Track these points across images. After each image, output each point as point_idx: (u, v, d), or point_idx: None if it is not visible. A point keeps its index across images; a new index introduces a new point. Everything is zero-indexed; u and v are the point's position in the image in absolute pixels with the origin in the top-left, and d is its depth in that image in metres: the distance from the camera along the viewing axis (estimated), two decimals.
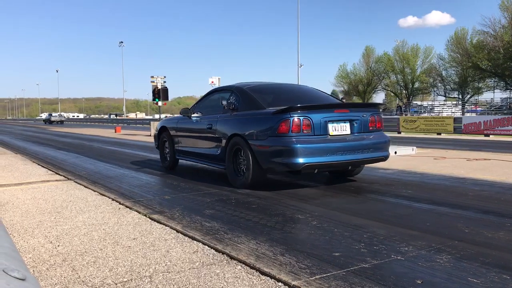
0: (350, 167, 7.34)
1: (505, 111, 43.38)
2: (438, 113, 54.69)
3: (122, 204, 6.23)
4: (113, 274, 3.53)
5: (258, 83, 8.53)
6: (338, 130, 6.76)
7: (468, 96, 65.30)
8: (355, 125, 6.94)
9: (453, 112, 54.32)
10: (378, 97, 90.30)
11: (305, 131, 6.47)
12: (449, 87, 68.65)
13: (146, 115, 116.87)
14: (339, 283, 3.23)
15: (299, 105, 6.63)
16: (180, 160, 10.00)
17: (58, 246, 4.32)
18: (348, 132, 6.86)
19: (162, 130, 10.27)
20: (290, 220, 5.17)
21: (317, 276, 3.37)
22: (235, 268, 3.62)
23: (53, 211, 5.87)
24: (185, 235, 4.62)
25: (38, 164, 11.41)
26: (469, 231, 4.59)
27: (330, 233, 4.56)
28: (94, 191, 7.36)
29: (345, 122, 6.85)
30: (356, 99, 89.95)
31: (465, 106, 60.09)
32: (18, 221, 5.34)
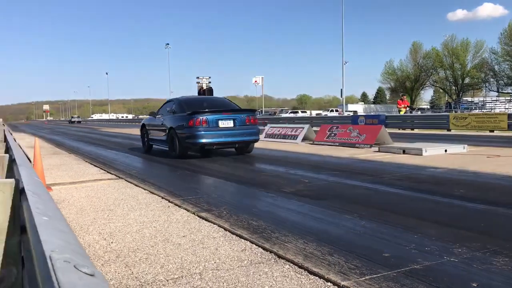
0: (237, 145, 11.85)
1: None
2: (490, 109, 52.61)
3: (171, 202, 6.38)
4: (164, 270, 3.62)
5: (190, 96, 13.56)
6: (225, 124, 11.12)
7: None
8: (236, 121, 11.27)
9: (507, 108, 52.07)
10: (427, 94, 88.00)
11: (203, 125, 10.85)
12: (502, 82, 65.95)
13: None
14: (389, 284, 3.18)
15: (198, 110, 11.11)
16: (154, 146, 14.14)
17: (112, 243, 4.48)
18: (232, 125, 11.19)
19: (143, 126, 14.70)
20: (335, 226, 5.13)
21: (367, 277, 3.33)
22: (283, 267, 3.63)
23: (106, 209, 6.09)
24: (232, 233, 4.68)
25: (91, 164, 11.84)
26: None
27: (378, 233, 4.49)
28: (144, 189, 7.57)
29: (229, 120, 11.22)
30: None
31: None
32: (73, 218, 5.57)
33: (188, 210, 5.82)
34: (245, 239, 4.44)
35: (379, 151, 12.67)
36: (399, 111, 29.02)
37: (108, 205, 6.33)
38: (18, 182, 2.14)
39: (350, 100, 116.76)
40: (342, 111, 51.14)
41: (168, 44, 78.97)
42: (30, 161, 5.42)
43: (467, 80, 72.05)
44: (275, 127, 20.04)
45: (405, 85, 79.95)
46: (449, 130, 24.32)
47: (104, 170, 10.42)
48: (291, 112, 69.45)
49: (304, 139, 17.17)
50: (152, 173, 9.67)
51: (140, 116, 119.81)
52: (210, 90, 27.68)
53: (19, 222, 2.09)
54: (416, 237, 4.30)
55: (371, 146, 13.72)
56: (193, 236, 4.60)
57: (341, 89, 46.16)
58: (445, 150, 11.89)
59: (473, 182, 7.45)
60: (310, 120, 34.42)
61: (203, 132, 10.92)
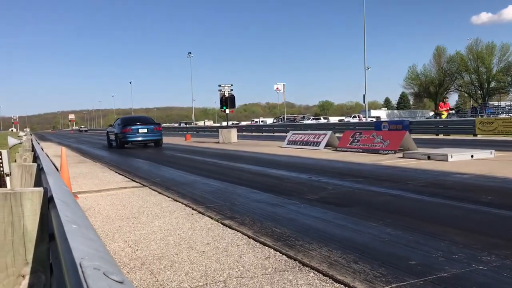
0: (149, 142, 22.75)
1: None
2: None
3: (195, 210, 6.41)
4: (189, 278, 3.64)
5: (127, 116, 26.83)
6: (142, 131, 21.91)
7: None
8: (149, 129, 22.11)
9: None
10: (451, 98, 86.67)
11: (130, 132, 21.83)
12: None
13: (214, 122, 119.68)
14: None
15: (129, 123, 22.56)
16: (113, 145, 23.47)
17: (137, 250, 4.53)
18: (146, 131, 22.01)
19: (106, 133, 26.28)
20: (360, 234, 5.07)
21: (393, 285, 3.28)
22: (308, 275, 3.60)
23: (131, 217, 6.16)
24: (256, 240, 4.67)
25: (115, 172, 12.01)
26: None
27: (404, 240, 4.42)
28: (168, 197, 7.63)
29: (145, 128, 22.07)
30: (427, 101, 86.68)
31: None
32: (99, 226, 5.66)
33: (211, 218, 5.84)
34: (269, 246, 4.43)
35: (403, 157, 12.51)
36: (440, 115, 27.48)
37: (133, 213, 6.40)
38: (46, 190, 2.19)
39: (373, 105, 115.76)
40: (365, 117, 50.73)
41: (190, 53, 79.68)
42: (57, 170, 5.54)
43: (493, 84, 70.69)
44: (297, 133, 20.00)
45: (429, 90, 78.88)
46: (475, 135, 23.85)
47: (129, 178, 10.55)
48: (313, 119, 69.21)
49: (327, 145, 17.08)
50: (175, 181, 9.75)
51: (163, 125, 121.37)
52: (232, 98, 27.79)
53: (47, 230, 2.14)
54: (443, 245, 4.22)
55: (395, 152, 13.56)
56: (217, 244, 4.61)
57: (364, 95, 45.82)
58: (472, 156, 11.67)
59: (501, 188, 7.28)
60: (332, 127, 34.25)
61: (129, 135, 22.09)
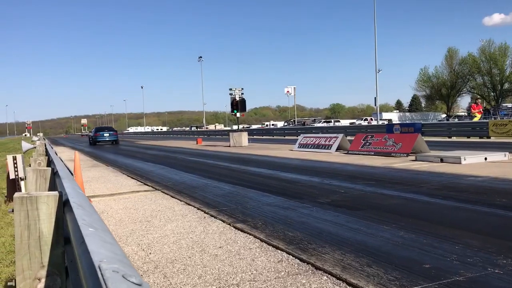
0: (110, 142, 38.29)
1: None
2: None
3: (207, 213, 6.43)
4: (202, 281, 3.65)
5: (99, 126, 52.12)
6: (106, 134, 38.74)
7: None
8: (110, 133, 39.17)
9: None
10: (464, 101, 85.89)
11: (98, 135, 38.52)
12: None
13: (225, 126, 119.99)
14: None
15: (99, 130, 40.84)
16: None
17: (150, 253, 4.55)
18: (108, 135, 38.67)
19: (87, 136, 54.57)
20: (373, 237, 5.04)
21: None
22: (321, 278, 3.59)
23: (143, 220, 6.19)
24: (269, 244, 4.67)
25: (128, 176, 12.08)
26: None
27: (418, 244, 4.39)
28: (180, 200, 7.66)
29: (107, 133, 39.03)
30: (439, 104, 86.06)
31: None
32: (112, 230, 5.69)
33: (223, 221, 5.85)
34: (282, 250, 4.42)
35: (416, 160, 12.42)
36: (473, 117, 26.25)
37: (145, 216, 6.43)
38: (61, 194, 2.21)
39: (384, 108, 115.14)
40: (377, 119, 50.45)
41: (201, 57, 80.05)
42: (71, 173, 5.59)
43: (506, 86, 69.91)
44: (308, 137, 19.97)
45: (441, 92, 78.23)
46: (488, 137, 23.60)
47: (141, 182, 10.61)
48: (324, 122, 69.05)
49: (338, 148, 17.02)
50: (187, 185, 9.78)
51: (174, 129, 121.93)
52: (242, 101, 27.78)
53: (63, 233, 2.16)
54: (457, 248, 4.18)
55: (407, 155, 13.47)
56: (230, 247, 4.62)
57: (375, 98, 45.58)
58: (485, 158, 11.55)
59: None
60: (344, 130, 34.12)
61: (98, 137, 37.66)
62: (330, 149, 17.19)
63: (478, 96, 45.62)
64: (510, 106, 61.69)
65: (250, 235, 5.08)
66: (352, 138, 17.79)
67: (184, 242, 4.90)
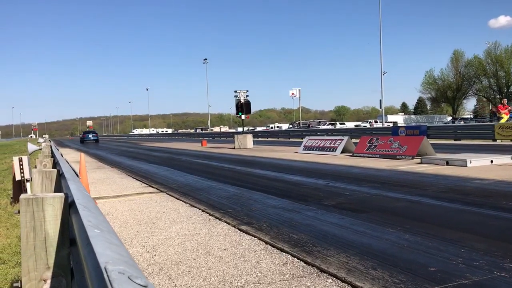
0: (94, 141, 57.48)
1: None
2: None
3: (212, 215, 6.43)
4: (207, 283, 3.64)
5: (87, 130, 70.52)
6: (90, 136, 58.81)
7: None
8: (93, 135, 59.52)
9: None
10: (469, 103, 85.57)
11: (85, 136, 58.49)
12: None
13: (229, 128, 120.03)
14: None
15: (85, 133, 62.34)
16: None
17: (155, 255, 4.55)
18: (91, 136, 58.76)
19: (79, 137, 77.73)
20: (378, 240, 5.02)
21: None
22: (326, 281, 3.58)
23: (148, 222, 6.20)
24: (273, 246, 4.67)
25: (133, 178, 12.11)
26: None
27: (423, 247, 4.37)
28: (185, 202, 7.66)
29: (91, 135, 59.31)
30: (445, 106, 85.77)
31: None
32: (117, 231, 5.70)
33: (228, 223, 5.85)
34: (287, 252, 4.41)
35: (421, 162, 12.38)
36: (499, 117, 24.82)
37: (150, 218, 6.44)
38: (67, 196, 2.22)
39: (390, 111, 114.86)
40: (382, 122, 50.33)
41: (206, 59, 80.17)
42: (77, 175, 5.61)
43: None
44: (313, 139, 19.94)
45: (446, 95, 78.00)
46: (494, 140, 23.49)
47: (146, 184, 10.63)
48: (329, 124, 68.94)
49: (343, 151, 16.99)
50: (192, 187, 9.79)
51: (179, 131, 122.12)
52: (247, 104, 27.80)
53: (68, 235, 2.16)
54: (463, 251, 4.16)
55: (413, 158, 13.43)
56: (234, 249, 4.62)
57: (380, 100, 45.48)
58: (491, 161, 11.49)
59: None
60: (349, 132, 34.07)
61: (85, 137, 57.20)
62: (335, 151, 17.17)
63: (505, 98, 43.87)
64: None
65: (255, 237, 5.07)
66: (357, 140, 17.76)
67: (189, 244, 4.91)
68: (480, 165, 11.09)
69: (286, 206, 6.89)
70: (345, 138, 17.60)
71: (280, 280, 3.63)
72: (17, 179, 8.01)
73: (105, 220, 1.61)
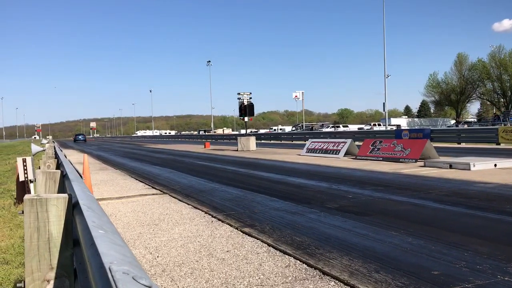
0: (84, 141, 77.93)
1: None
2: None
3: (215, 217, 6.43)
4: (209, 285, 3.64)
5: (78, 133, 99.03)
6: (80, 137, 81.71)
7: None
8: (82, 136, 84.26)
9: None
10: (473, 107, 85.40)
11: (77, 137, 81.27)
12: None
13: (232, 130, 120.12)
14: None
15: (77, 135, 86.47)
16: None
17: (158, 257, 4.56)
18: (81, 137, 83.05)
19: (73, 137, 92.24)
20: (381, 243, 5.01)
21: None
22: (329, 284, 3.57)
23: (151, 223, 6.20)
24: (276, 248, 4.66)
25: (136, 179, 12.13)
26: None
27: (426, 250, 4.36)
28: (188, 204, 7.67)
29: (81, 136, 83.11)
30: (448, 109, 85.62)
31: None
32: (120, 233, 5.70)
33: (231, 225, 5.85)
34: (289, 255, 4.41)
35: (424, 165, 12.35)
36: None
37: (153, 220, 6.45)
38: (71, 196, 2.22)
39: (393, 114, 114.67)
40: (385, 125, 50.27)
41: (209, 61, 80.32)
42: (80, 176, 5.63)
43: None
44: (316, 141, 19.93)
45: (450, 98, 77.80)
46: (498, 143, 23.44)
47: (149, 185, 10.65)
48: (332, 127, 68.90)
49: (346, 153, 16.97)
50: (195, 189, 9.80)
51: (182, 133, 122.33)
52: (250, 106, 27.82)
53: (72, 235, 2.17)
54: (466, 255, 4.14)
55: (416, 161, 13.40)
56: (237, 251, 4.61)
57: (384, 103, 45.45)
58: (495, 165, 11.46)
59: None
60: (352, 135, 34.05)
61: (76, 138, 78.54)
62: (338, 154, 17.15)
63: None
64: None
65: (257, 239, 5.07)
66: (360, 143, 17.74)
67: (191, 246, 4.91)
68: (483, 169, 11.05)
69: (289, 209, 6.89)
70: (348, 141, 17.59)
71: (282, 283, 3.63)
72: (20, 180, 8.04)
73: (109, 221, 1.62)
